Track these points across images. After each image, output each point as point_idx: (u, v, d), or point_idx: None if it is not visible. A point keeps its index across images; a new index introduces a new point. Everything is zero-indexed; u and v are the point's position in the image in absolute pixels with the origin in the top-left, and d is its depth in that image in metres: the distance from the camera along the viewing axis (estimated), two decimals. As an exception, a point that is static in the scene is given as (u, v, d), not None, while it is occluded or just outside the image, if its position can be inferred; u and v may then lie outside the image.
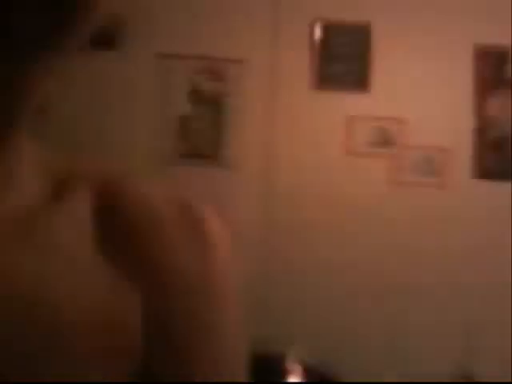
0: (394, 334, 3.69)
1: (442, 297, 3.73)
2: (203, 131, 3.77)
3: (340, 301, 3.71)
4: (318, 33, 3.80)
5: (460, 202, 3.80)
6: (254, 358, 2.48)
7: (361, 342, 3.65)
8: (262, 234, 3.76)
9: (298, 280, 3.71)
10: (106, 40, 3.59)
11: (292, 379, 2.38)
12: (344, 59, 3.81)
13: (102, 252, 0.64)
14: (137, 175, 0.77)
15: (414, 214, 3.80)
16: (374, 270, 3.74)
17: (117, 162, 3.74)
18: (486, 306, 3.66)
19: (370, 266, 3.73)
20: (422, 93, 3.83)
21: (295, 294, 3.70)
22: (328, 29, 3.81)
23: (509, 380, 2.72)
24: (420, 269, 3.76)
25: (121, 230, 0.66)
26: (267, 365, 2.45)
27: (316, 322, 3.66)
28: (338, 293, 3.71)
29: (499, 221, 3.76)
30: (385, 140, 3.80)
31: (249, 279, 3.69)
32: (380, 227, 3.78)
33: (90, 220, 0.66)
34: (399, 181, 3.81)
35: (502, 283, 3.72)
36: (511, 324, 3.67)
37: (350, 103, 3.81)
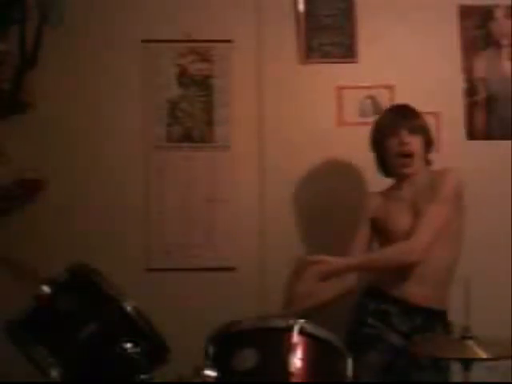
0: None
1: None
2: (193, 113, 3.78)
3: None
4: (301, 5, 3.80)
5: (454, 164, 3.81)
6: (259, 332, 2.51)
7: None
8: (258, 209, 3.78)
9: (296, 251, 3.74)
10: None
11: (298, 353, 2.40)
12: (329, 30, 3.81)
13: None
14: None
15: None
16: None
17: (109, 148, 3.77)
18: (485, 262, 3.70)
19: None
20: (409, 58, 3.84)
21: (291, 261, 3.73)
22: (311, 0, 3.81)
23: (509, 339, 2.75)
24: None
25: None
26: (273, 338, 2.47)
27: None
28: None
29: (493, 179, 3.78)
30: (375, 108, 3.81)
31: (247, 250, 3.74)
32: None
33: None
34: (392, 147, 3.82)
35: (499, 242, 3.76)
36: (511, 283, 3.72)
37: (338, 74, 3.82)
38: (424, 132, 3.24)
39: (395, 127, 3.19)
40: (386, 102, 3.80)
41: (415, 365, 3.05)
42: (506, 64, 3.84)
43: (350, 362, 2.51)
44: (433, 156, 3.80)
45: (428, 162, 3.30)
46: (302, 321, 2.46)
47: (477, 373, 2.77)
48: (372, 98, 3.81)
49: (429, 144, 3.28)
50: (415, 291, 3.13)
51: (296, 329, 2.42)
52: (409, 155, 3.19)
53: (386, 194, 3.33)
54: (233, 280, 3.74)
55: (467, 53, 3.84)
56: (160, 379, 2.59)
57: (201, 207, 3.77)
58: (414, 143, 3.19)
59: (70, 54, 3.72)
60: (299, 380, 2.36)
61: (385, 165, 3.29)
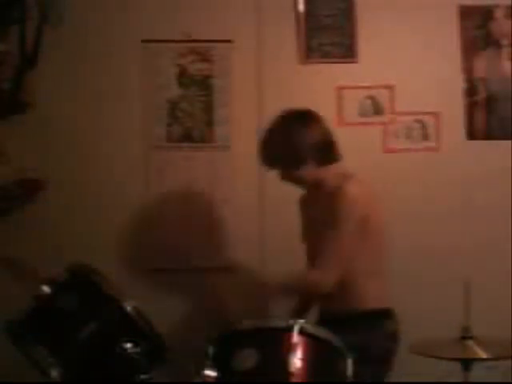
0: (393, 295, 3.71)
1: (441, 258, 3.76)
2: (193, 113, 3.78)
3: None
4: (301, 5, 3.80)
5: (454, 164, 3.82)
6: (259, 332, 2.51)
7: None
8: (258, 209, 3.78)
9: (294, 249, 3.73)
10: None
11: (298, 353, 2.40)
12: (329, 30, 3.81)
13: None
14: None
15: (410, 179, 3.82)
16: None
17: (109, 148, 3.77)
18: (485, 262, 3.71)
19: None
20: (409, 58, 3.84)
21: (291, 262, 3.72)
22: (311, 0, 3.81)
23: (509, 339, 2.76)
24: (419, 231, 3.79)
25: None
26: (273, 338, 2.47)
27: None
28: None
29: (494, 179, 3.79)
30: (375, 108, 3.81)
31: (248, 249, 3.74)
32: (377, 195, 3.79)
33: None
34: (393, 148, 3.82)
35: (499, 242, 3.76)
36: (511, 283, 3.72)
37: (338, 74, 3.82)
38: (280, 161, 3.07)
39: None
40: (386, 101, 3.81)
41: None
42: (506, 64, 3.85)
43: (349, 362, 2.51)
44: (433, 157, 3.83)
45: (329, 161, 3.10)
46: (302, 321, 2.46)
47: (477, 373, 2.77)
48: (372, 98, 3.81)
49: (298, 161, 3.04)
50: (330, 306, 3.08)
51: (296, 329, 2.42)
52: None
53: (308, 194, 3.25)
54: (233, 280, 3.74)
55: (467, 53, 3.84)
56: (160, 379, 2.59)
57: (201, 207, 3.77)
58: (283, 175, 3.10)
59: (70, 54, 3.72)
60: (299, 380, 2.36)
61: None
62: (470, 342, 2.72)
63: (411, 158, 3.82)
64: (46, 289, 2.60)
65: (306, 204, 3.25)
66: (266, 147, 3.09)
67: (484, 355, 2.66)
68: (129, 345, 2.54)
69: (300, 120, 3.11)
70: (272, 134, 3.10)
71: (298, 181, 3.12)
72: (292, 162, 3.05)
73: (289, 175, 3.10)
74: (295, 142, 3.03)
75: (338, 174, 3.07)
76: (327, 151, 3.10)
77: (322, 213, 3.05)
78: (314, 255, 3.06)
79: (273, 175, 3.76)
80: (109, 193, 3.74)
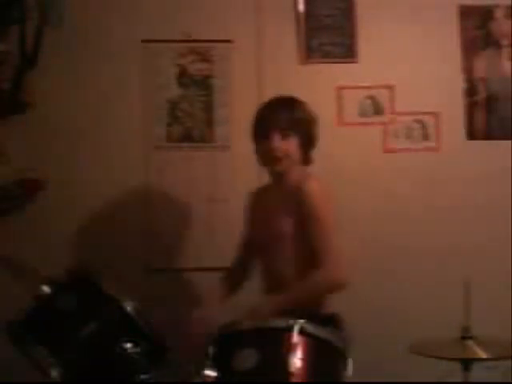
0: (393, 295, 3.72)
1: (441, 258, 3.76)
2: (193, 113, 3.78)
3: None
4: (301, 5, 3.80)
5: (454, 164, 3.82)
6: (259, 332, 2.50)
7: (360, 304, 3.67)
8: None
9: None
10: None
11: (298, 353, 2.40)
12: (329, 30, 3.81)
13: None
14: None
15: (410, 179, 3.82)
16: (373, 234, 3.76)
17: (109, 148, 3.77)
18: (485, 262, 3.71)
19: (369, 231, 3.76)
20: (409, 58, 3.84)
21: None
22: (311, 0, 3.81)
23: (509, 339, 2.76)
24: (419, 231, 3.79)
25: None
26: (273, 338, 2.47)
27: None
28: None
29: (494, 179, 3.79)
30: (375, 108, 3.81)
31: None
32: (377, 195, 3.80)
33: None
34: (393, 148, 3.82)
35: (499, 242, 3.76)
36: (511, 283, 3.72)
37: (338, 74, 3.82)
38: (301, 131, 2.96)
39: (267, 129, 2.97)
40: (386, 101, 3.80)
41: None
42: (506, 64, 3.85)
43: (350, 362, 2.51)
44: (433, 157, 3.82)
45: (307, 161, 3.03)
46: (302, 321, 2.46)
47: (477, 373, 2.77)
48: (372, 98, 3.81)
49: (309, 141, 3.00)
50: None
51: (296, 329, 2.42)
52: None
53: (264, 190, 3.15)
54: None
55: (467, 53, 3.84)
56: (160, 379, 2.59)
57: (201, 207, 3.77)
58: (287, 146, 2.94)
59: (70, 54, 3.72)
60: (299, 380, 2.36)
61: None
62: (470, 342, 2.72)
63: (411, 158, 3.82)
64: (45, 289, 2.60)
65: (261, 202, 3.14)
66: (283, 108, 2.99)
67: (484, 355, 2.66)
68: (129, 345, 2.54)
69: (311, 114, 3.08)
70: (291, 102, 3.03)
71: (284, 159, 2.94)
72: (303, 135, 2.97)
73: (287, 147, 2.93)
74: (311, 121, 3.02)
75: (299, 175, 2.97)
76: (310, 152, 3.03)
77: (283, 212, 2.93)
78: (280, 256, 2.94)
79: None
80: (109, 193, 3.74)
